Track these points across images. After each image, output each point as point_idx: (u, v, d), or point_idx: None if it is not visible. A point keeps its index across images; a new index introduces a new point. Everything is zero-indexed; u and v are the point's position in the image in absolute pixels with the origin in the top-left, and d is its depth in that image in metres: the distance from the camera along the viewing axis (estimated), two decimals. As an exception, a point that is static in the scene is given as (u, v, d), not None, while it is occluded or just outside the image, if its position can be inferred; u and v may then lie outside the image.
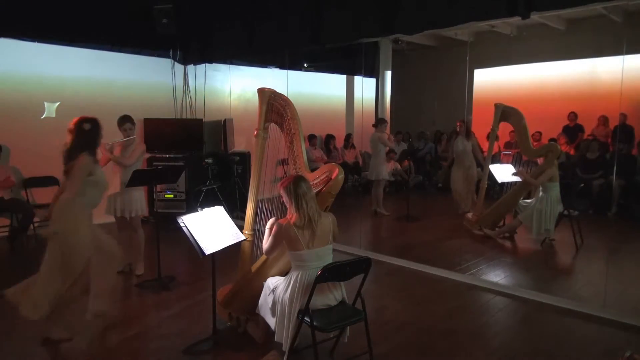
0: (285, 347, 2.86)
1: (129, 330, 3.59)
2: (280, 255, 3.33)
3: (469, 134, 7.10)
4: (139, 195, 4.74)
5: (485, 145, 7.11)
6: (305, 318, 2.77)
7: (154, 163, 7.14)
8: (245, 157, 7.77)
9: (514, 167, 6.46)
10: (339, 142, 9.97)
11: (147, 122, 7.26)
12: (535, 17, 6.29)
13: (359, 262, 2.88)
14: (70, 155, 3.29)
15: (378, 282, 4.63)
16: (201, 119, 7.84)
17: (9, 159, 6.20)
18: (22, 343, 3.42)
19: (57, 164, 6.24)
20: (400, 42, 9.86)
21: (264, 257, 3.39)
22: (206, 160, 7.51)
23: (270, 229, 3.03)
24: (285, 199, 2.96)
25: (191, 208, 6.40)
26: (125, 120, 4.71)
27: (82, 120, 3.35)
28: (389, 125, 8.79)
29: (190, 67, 8.13)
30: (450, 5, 4.64)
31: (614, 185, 6.41)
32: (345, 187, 8.94)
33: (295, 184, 2.90)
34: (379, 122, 7.54)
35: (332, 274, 2.75)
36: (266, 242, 3.08)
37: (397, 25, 5.17)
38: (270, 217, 3.21)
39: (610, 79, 8.02)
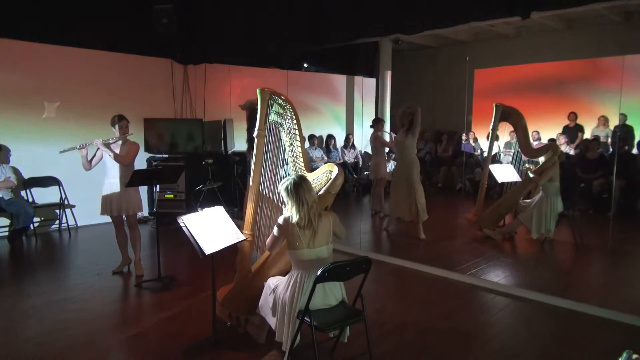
0: (285, 347, 2.86)
1: (129, 330, 3.60)
2: (280, 255, 3.32)
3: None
4: (134, 193, 4.74)
5: (485, 145, 7.12)
6: (305, 318, 2.77)
7: (154, 163, 7.14)
8: (245, 157, 7.77)
9: (514, 167, 6.46)
10: (339, 142, 9.97)
11: (147, 122, 7.25)
12: (535, 17, 6.29)
13: (359, 262, 2.88)
14: None
15: (378, 282, 4.62)
16: (201, 119, 7.84)
17: (9, 159, 6.20)
18: (21, 342, 3.42)
19: (57, 164, 6.23)
20: (400, 42, 9.85)
21: (264, 257, 3.39)
22: (206, 160, 7.51)
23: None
24: (285, 199, 2.95)
25: (191, 208, 6.41)
26: (121, 119, 4.70)
27: None
28: (388, 124, 8.79)
29: (191, 67, 8.13)
30: (450, 5, 4.65)
31: (614, 185, 6.40)
32: (345, 187, 8.94)
33: (296, 185, 2.89)
34: (375, 121, 7.55)
35: (332, 274, 2.75)
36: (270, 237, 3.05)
37: (397, 25, 5.17)
38: (270, 218, 3.19)
39: (610, 79, 8.02)
